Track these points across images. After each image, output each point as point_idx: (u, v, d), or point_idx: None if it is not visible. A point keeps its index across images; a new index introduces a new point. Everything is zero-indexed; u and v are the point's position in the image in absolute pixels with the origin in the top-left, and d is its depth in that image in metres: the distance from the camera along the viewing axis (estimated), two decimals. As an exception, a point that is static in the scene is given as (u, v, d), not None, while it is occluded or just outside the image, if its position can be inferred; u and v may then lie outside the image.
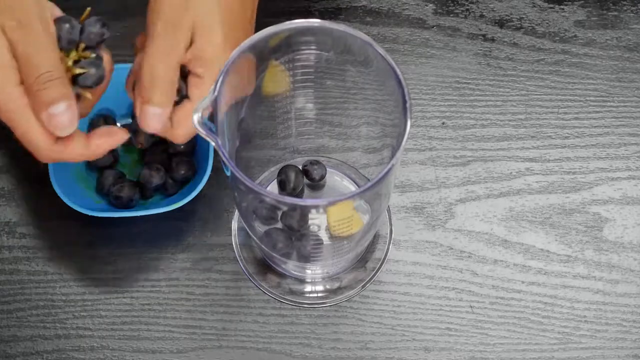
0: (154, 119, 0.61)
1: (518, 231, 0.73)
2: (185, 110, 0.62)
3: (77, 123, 0.59)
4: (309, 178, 0.72)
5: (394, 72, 0.57)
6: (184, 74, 0.63)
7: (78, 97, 0.60)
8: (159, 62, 0.61)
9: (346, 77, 0.65)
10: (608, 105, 0.77)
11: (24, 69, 0.58)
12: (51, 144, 0.60)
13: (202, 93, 0.61)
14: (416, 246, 0.72)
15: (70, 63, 0.60)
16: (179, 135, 0.63)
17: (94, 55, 0.61)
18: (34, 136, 0.59)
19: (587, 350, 0.69)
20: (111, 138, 0.62)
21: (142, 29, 0.64)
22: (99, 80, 0.61)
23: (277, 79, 0.64)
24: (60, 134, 0.59)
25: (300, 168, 0.72)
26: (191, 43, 0.62)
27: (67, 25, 0.59)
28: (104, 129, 0.62)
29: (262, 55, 0.60)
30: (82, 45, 0.60)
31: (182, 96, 0.62)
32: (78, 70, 0.60)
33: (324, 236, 0.67)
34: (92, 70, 0.60)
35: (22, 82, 0.58)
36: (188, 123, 0.62)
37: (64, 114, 0.58)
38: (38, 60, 0.58)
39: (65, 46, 0.60)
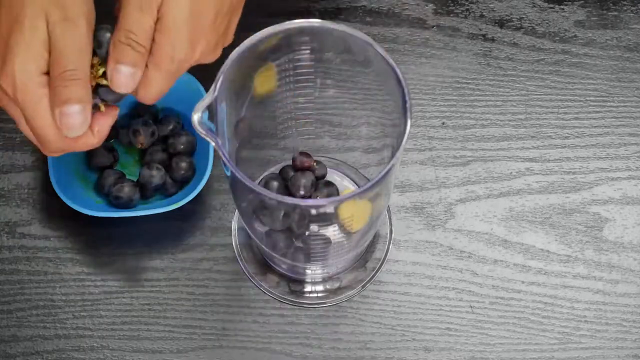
0: (129, 77, 0.60)
1: (518, 231, 0.73)
2: (145, 82, 0.61)
3: (87, 128, 0.59)
4: (309, 178, 0.72)
5: (394, 72, 0.57)
6: None
7: (95, 107, 0.61)
8: (132, 25, 0.60)
9: (346, 77, 0.65)
10: (608, 105, 0.77)
11: (53, 62, 0.58)
12: (61, 137, 0.60)
13: (157, 63, 0.60)
14: (416, 246, 0.72)
15: (100, 72, 0.60)
16: (146, 96, 0.62)
17: None
18: (45, 127, 0.60)
19: (587, 350, 0.69)
20: (109, 117, 0.62)
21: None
22: (119, 98, 0.61)
23: (269, 79, 0.64)
24: (67, 134, 0.59)
25: (300, 168, 0.72)
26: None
27: (109, 35, 0.60)
28: (96, 114, 0.62)
29: (262, 55, 0.60)
30: None
31: None
32: (104, 82, 0.60)
33: (324, 236, 0.67)
34: None
35: (47, 73, 0.59)
36: (152, 84, 0.61)
37: (76, 115, 0.59)
38: (68, 57, 0.58)
39: (103, 55, 0.60)
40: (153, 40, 0.61)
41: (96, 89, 0.60)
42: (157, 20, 0.60)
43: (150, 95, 0.62)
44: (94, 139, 0.61)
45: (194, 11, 0.61)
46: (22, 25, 0.59)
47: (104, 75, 0.60)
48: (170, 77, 0.61)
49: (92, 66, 0.60)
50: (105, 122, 0.62)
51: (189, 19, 0.61)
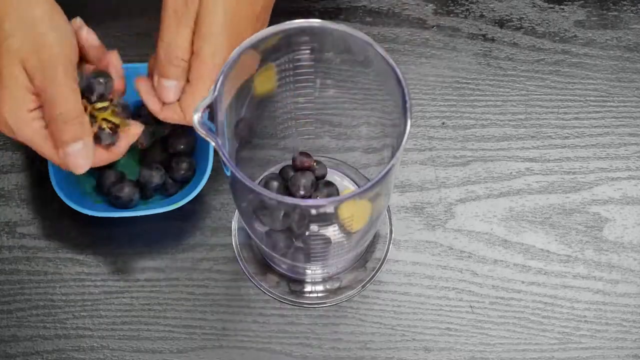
0: (169, 91, 0.63)
1: (518, 231, 0.73)
2: (189, 95, 0.64)
3: (91, 162, 0.63)
4: (309, 178, 0.72)
5: (394, 72, 0.57)
6: None
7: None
8: (171, 37, 0.62)
9: (346, 77, 0.65)
10: (608, 105, 0.77)
11: (45, 108, 0.61)
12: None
13: (199, 74, 0.63)
14: (416, 246, 0.72)
15: (100, 117, 0.64)
16: (189, 112, 0.65)
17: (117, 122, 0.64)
18: (54, 155, 0.63)
19: (587, 350, 0.69)
20: (129, 135, 0.65)
21: (140, 30, 0.65)
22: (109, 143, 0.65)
23: (269, 79, 0.64)
24: (75, 172, 0.63)
25: (300, 168, 0.72)
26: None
27: (102, 80, 0.64)
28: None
29: (262, 55, 0.60)
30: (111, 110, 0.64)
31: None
32: (104, 126, 0.64)
33: (324, 236, 0.67)
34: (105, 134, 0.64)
35: (34, 109, 0.62)
36: (195, 96, 0.64)
37: (78, 152, 0.62)
38: (54, 102, 0.61)
39: (96, 99, 0.63)
40: (192, 51, 0.63)
41: (97, 135, 0.64)
42: (195, 30, 0.62)
43: (192, 109, 0.63)
44: (110, 155, 0.65)
45: (229, 15, 0.63)
46: (1, 74, 0.61)
47: (104, 120, 0.64)
48: (209, 85, 0.62)
49: (92, 114, 0.63)
50: (124, 141, 0.65)
51: (226, 23, 0.62)
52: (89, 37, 0.65)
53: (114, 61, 0.65)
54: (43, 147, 0.63)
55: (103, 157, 0.65)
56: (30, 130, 0.62)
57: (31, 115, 0.62)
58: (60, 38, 0.61)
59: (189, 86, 0.64)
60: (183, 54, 0.63)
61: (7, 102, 0.61)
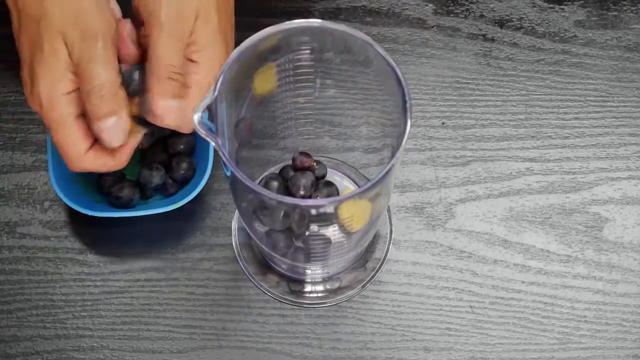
0: (177, 110, 0.62)
1: (518, 231, 0.73)
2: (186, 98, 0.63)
3: (126, 136, 0.62)
4: (309, 178, 0.72)
5: (394, 72, 0.57)
6: None
7: None
8: (171, 54, 0.62)
9: (346, 77, 0.65)
10: (608, 105, 0.77)
11: (81, 81, 0.61)
12: (81, 155, 0.62)
13: (200, 79, 0.63)
14: (416, 246, 0.72)
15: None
16: (187, 124, 0.64)
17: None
18: (67, 145, 0.62)
19: (587, 350, 0.69)
20: (133, 139, 0.64)
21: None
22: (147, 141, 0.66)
23: (269, 79, 0.64)
24: (109, 145, 0.62)
25: (300, 168, 0.72)
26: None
27: (137, 73, 0.63)
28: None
29: (262, 55, 0.60)
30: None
31: None
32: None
33: (324, 236, 0.67)
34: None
35: (71, 91, 0.61)
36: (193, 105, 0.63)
37: (112, 129, 0.61)
38: (92, 74, 0.60)
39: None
40: (192, 61, 0.63)
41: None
42: (192, 44, 0.62)
43: (190, 120, 0.62)
44: (113, 162, 0.64)
45: (220, 26, 0.63)
46: (42, 49, 0.61)
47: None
48: (205, 91, 0.62)
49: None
50: (128, 146, 0.64)
51: (219, 32, 0.63)
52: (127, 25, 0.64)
53: (127, 29, 0.64)
54: (59, 133, 0.62)
55: (109, 163, 0.64)
56: (59, 113, 0.61)
57: (65, 98, 0.61)
58: (101, 12, 0.61)
59: (188, 89, 0.63)
60: (181, 69, 0.62)
61: (44, 77, 0.60)
